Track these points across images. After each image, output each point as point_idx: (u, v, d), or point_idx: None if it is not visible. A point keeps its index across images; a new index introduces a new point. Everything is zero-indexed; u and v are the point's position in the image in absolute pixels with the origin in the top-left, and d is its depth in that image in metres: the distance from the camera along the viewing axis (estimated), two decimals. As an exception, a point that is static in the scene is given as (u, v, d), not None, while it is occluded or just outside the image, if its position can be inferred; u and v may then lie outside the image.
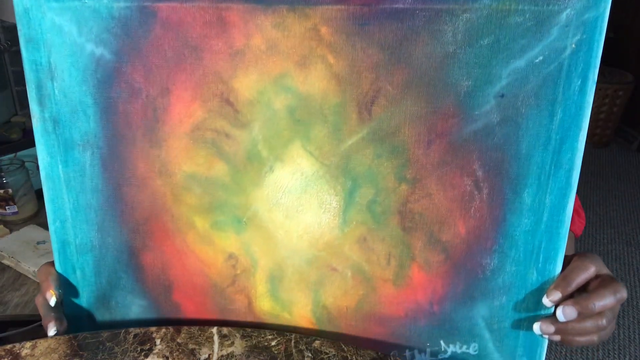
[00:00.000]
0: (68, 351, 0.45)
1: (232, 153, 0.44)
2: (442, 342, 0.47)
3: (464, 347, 0.47)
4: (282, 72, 0.42)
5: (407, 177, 0.43)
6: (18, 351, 0.45)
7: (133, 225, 0.47)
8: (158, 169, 0.45)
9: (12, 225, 0.94)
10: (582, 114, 0.39)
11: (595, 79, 0.39)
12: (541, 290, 0.43)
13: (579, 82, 0.39)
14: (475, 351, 0.47)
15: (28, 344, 0.46)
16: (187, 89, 0.43)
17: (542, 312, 0.44)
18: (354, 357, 0.45)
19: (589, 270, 0.42)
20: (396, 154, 0.43)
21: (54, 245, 0.49)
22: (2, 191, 0.92)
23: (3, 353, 0.45)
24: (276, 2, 0.40)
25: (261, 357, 0.45)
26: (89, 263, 0.49)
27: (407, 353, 0.48)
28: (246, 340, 0.47)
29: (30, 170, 0.99)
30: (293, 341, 0.47)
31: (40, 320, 0.48)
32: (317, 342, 0.47)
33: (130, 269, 0.49)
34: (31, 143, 1.02)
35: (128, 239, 0.48)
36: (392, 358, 0.45)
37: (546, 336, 0.43)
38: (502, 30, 0.38)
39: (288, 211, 0.45)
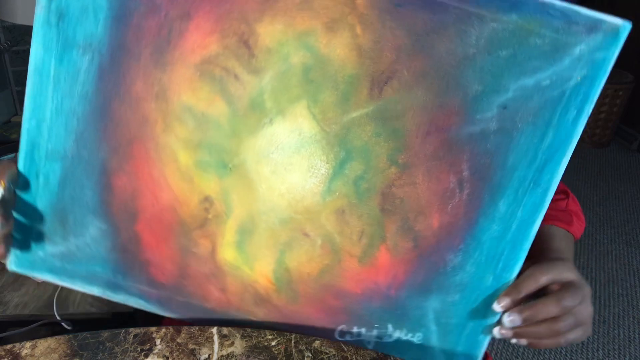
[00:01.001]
0: (68, 351, 0.45)
1: (236, 96, 0.44)
2: (390, 325, 0.49)
3: (409, 334, 0.49)
4: (308, 29, 0.42)
5: (399, 162, 0.44)
6: (18, 351, 0.45)
7: (114, 144, 0.45)
8: (156, 92, 0.44)
9: (12, 225, 0.93)
10: (569, 142, 0.42)
11: (589, 113, 0.42)
12: (493, 296, 0.46)
13: (575, 112, 0.41)
14: (418, 340, 0.49)
15: (28, 344, 0.46)
16: (208, 19, 0.42)
17: (489, 316, 0.47)
18: (354, 357, 0.45)
19: (539, 281, 0.44)
20: (394, 137, 0.44)
21: (22, 145, 0.46)
22: (2, 191, 0.92)
23: (3, 353, 0.45)
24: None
25: (261, 357, 0.45)
26: (55, 171, 0.46)
27: (355, 329, 0.49)
28: (246, 340, 0.47)
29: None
30: (293, 341, 0.47)
31: (40, 320, 0.47)
32: (317, 342, 0.47)
33: (98, 188, 0.47)
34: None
35: (105, 156, 0.46)
36: (392, 358, 0.45)
37: (506, 337, 0.45)
38: (521, 47, 0.41)
39: (276, 167, 0.45)
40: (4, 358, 0.44)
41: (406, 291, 0.47)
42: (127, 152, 0.46)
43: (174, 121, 0.45)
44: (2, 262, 0.49)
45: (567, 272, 0.45)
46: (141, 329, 0.48)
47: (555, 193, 0.60)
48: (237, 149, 0.45)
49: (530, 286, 0.44)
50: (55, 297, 0.76)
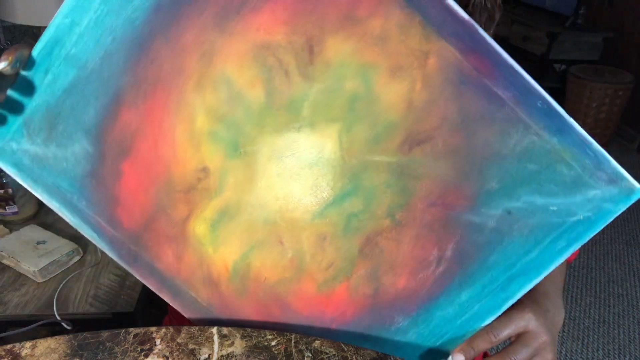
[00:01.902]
0: (68, 351, 0.45)
1: (278, 90, 0.43)
2: None
3: None
4: (373, 63, 0.42)
5: (395, 217, 0.46)
6: (18, 351, 0.45)
7: (139, 78, 0.44)
8: (203, 51, 0.43)
9: (12, 225, 0.93)
10: (548, 266, 0.45)
11: (573, 251, 0.44)
12: None
13: (564, 244, 0.44)
14: None
15: (28, 344, 0.45)
16: (286, 9, 0.41)
17: None
18: (354, 357, 0.46)
19: (491, 340, 0.46)
20: (402, 194, 0.45)
21: (45, 36, 0.44)
22: (2, 191, 0.91)
23: (3, 353, 0.45)
24: (427, 20, 0.41)
25: (261, 357, 0.45)
26: (67, 76, 0.44)
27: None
28: (246, 340, 0.47)
29: (30, 170, 0.99)
30: (293, 341, 0.47)
31: (40, 320, 0.47)
32: (317, 342, 0.47)
33: (103, 112, 0.45)
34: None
35: (125, 86, 0.44)
36: (392, 358, 0.45)
37: None
38: (547, 169, 0.43)
39: (284, 171, 0.45)
40: (4, 358, 0.44)
41: (344, 331, 0.49)
42: (148, 91, 0.44)
43: (209, 85, 0.44)
44: None
45: (522, 323, 0.47)
46: (141, 329, 0.48)
47: None
48: (255, 138, 0.44)
49: (480, 346, 0.46)
50: (55, 297, 0.76)
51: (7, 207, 0.92)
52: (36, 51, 0.44)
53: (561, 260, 0.44)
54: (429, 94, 0.42)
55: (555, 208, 0.44)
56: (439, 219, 0.45)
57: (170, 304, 0.50)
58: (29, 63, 0.44)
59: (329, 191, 0.45)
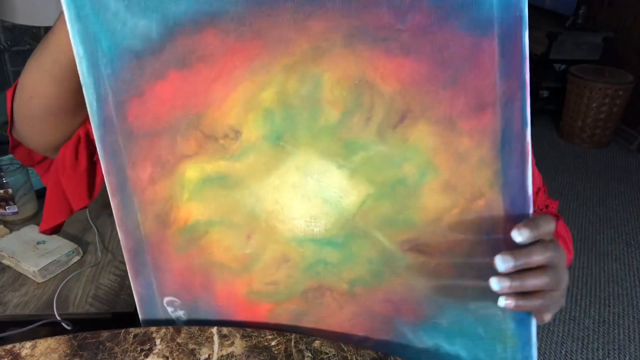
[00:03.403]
0: (68, 351, 0.45)
1: (351, 126, 0.44)
2: None
3: None
4: (438, 167, 0.44)
5: (354, 289, 0.49)
6: (18, 351, 0.45)
7: (245, 17, 0.42)
8: (318, 45, 0.42)
9: (12, 225, 0.93)
10: None
11: None
12: None
13: None
14: None
15: (28, 344, 0.45)
16: (414, 73, 0.41)
17: None
18: (354, 357, 0.45)
19: (552, 224, 0.43)
20: (374, 277, 0.48)
21: None
22: (2, 191, 0.91)
23: (3, 353, 0.45)
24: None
25: (261, 357, 0.45)
26: None
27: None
28: (246, 340, 0.47)
29: (30, 170, 0.99)
30: (293, 341, 0.47)
31: (40, 320, 0.47)
32: (317, 342, 0.47)
33: (192, 15, 0.42)
34: (31, 143, 1.02)
35: (227, 12, 0.42)
36: (392, 358, 0.45)
37: (502, 295, 0.44)
38: (490, 339, 0.48)
39: (300, 187, 0.46)
40: (4, 358, 0.44)
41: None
42: (244, 34, 0.43)
43: (300, 74, 0.43)
44: None
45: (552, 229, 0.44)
46: (141, 329, 0.48)
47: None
48: (300, 144, 0.45)
49: (545, 227, 0.42)
50: (55, 297, 0.76)
51: (7, 207, 0.92)
52: None
53: None
54: (459, 223, 0.44)
55: None
56: (384, 315, 0.48)
57: (113, 211, 0.49)
58: None
59: (322, 230, 0.47)
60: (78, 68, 0.45)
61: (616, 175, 2.57)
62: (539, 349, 1.57)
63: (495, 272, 0.42)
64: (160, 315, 0.52)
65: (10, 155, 0.97)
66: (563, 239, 0.61)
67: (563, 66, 3.12)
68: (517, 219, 0.43)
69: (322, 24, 0.41)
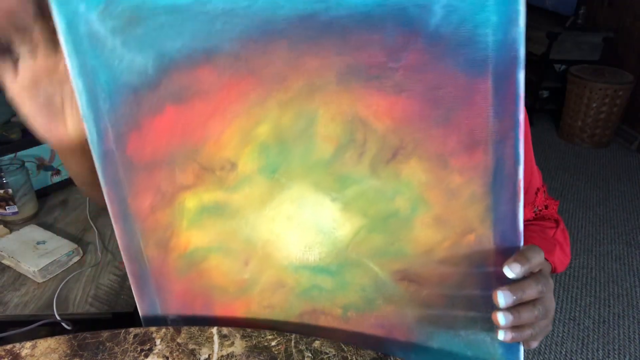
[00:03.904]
0: (68, 351, 0.45)
1: (344, 161, 0.45)
2: None
3: None
4: (429, 202, 0.45)
5: (347, 314, 0.51)
6: (18, 351, 0.45)
7: (240, 52, 0.42)
8: (313, 82, 0.43)
9: (12, 225, 0.93)
10: None
11: None
12: None
13: None
14: None
15: (28, 344, 0.45)
16: (406, 109, 0.42)
17: None
18: (354, 357, 0.45)
19: (541, 255, 0.44)
20: (367, 303, 0.50)
21: None
22: (2, 191, 0.92)
23: (3, 353, 0.45)
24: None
25: (261, 357, 0.45)
26: None
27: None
28: (246, 340, 0.47)
29: (30, 170, 0.99)
30: (293, 341, 0.47)
31: (40, 320, 0.47)
32: (317, 342, 0.47)
33: (187, 51, 0.43)
34: (31, 143, 1.02)
35: (223, 47, 0.42)
36: (392, 358, 0.45)
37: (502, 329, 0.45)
38: None
39: (295, 217, 0.47)
40: (4, 358, 0.44)
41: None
42: (241, 69, 0.43)
43: (295, 110, 0.43)
44: None
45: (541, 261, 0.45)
46: (141, 329, 0.48)
47: (547, 222, 0.62)
48: (295, 177, 0.45)
49: (535, 259, 0.43)
50: (55, 297, 0.76)
51: (7, 207, 0.92)
52: None
53: None
54: (450, 256, 0.45)
55: None
56: (376, 337, 0.49)
57: (116, 233, 0.50)
58: None
59: (316, 259, 0.48)
60: (77, 101, 0.46)
61: (616, 175, 2.57)
62: (539, 349, 1.58)
63: (486, 304, 0.45)
64: None
65: (11, 155, 0.97)
66: (561, 245, 0.62)
67: (563, 66, 3.13)
68: (507, 252, 0.44)
69: (317, 61, 0.41)
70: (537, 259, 0.43)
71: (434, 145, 0.42)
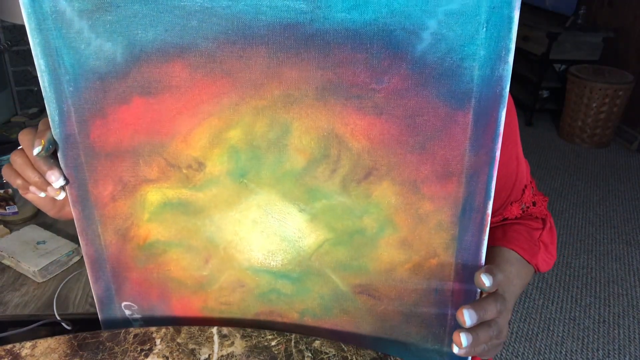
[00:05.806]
0: (68, 351, 0.45)
1: (316, 175, 0.45)
2: None
3: None
4: (397, 225, 0.46)
5: (304, 318, 0.51)
6: (18, 351, 0.45)
7: (215, 53, 0.42)
8: (290, 93, 0.42)
9: (12, 225, 0.93)
10: None
11: None
12: None
13: None
14: None
15: (28, 344, 0.46)
16: (386, 132, 0.42)
17: None
18: (354, 357, 0.45)
19: (497, 308, 0.46)
20: (324, 310, 0.51)
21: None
22: (2, 191, 0.92)
23: (3, 353, 0.45)
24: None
25: (261, 357, 0.45)
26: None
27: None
28: (246, 340, 0.47)
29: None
30: (293, 341, 0.47)
31: (40, 320, 0.47)
32: (317, 342, 0.47)
33: (160, 44, 0.42)
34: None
35: (197, 45, 0.42)
36: (392, 358, 0.45)
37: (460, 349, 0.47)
38: None
39: (261, 223, 0.47)
40: (4, 358, 0.44)
41: None
42: (214, 70, 0.42)
43: (270, 119, 0.43)
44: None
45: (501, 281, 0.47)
46: (141, 329, 0.48)
47: (534, 221, 0.62)
48: (264, 184, 0.46)
49: (491, 311, 0.45)
50: (55, 297, 0.76)
51: (7, 207, 0.92)
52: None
53: None
54: (410, 277, 0.47)
55: None
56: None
57: (74, 216, 0.49)
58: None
59: (278, 264, 0.48)
60: (40, 81, 0.44)
61: (616, 175, 2.57)
62: (539, 349, 1.57)
63: (439, 322, 0.48)
64: (118, 317, 0.54)
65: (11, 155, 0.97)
66: (546, 246, 0.62)
67: (563, 66, 3.13)
68: (466, 279, 0.46)
69: (296, 73, 0.41)
70: (493, 311, 0.45)
71: (408, 171, 0.42)
